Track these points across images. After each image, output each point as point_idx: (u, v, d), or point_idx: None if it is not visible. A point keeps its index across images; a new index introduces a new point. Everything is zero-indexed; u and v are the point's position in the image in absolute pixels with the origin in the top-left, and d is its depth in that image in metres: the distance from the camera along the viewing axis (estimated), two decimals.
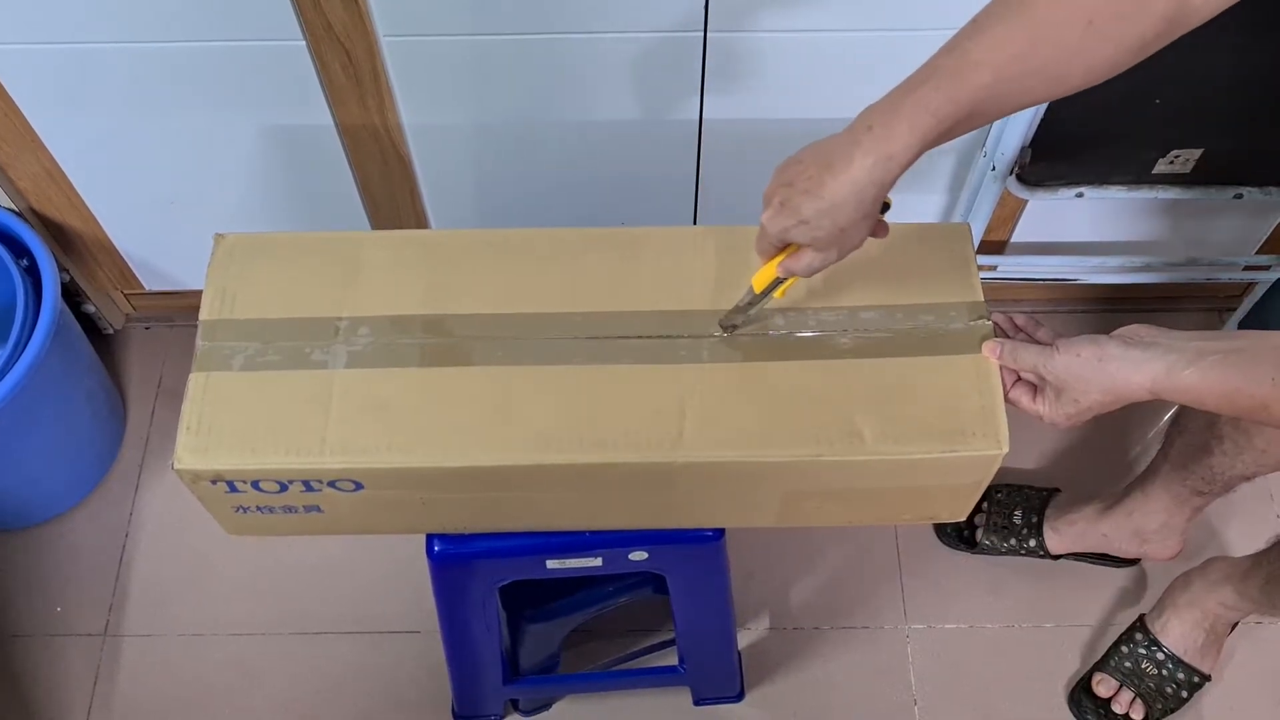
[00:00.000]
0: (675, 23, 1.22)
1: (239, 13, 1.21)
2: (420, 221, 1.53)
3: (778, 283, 0.91)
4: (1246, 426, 1.25)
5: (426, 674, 1.51)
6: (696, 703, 1.49)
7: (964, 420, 0.90)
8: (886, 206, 0.87)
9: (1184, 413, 1.36)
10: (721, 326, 0.95)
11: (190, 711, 1.51)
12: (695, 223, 1.53)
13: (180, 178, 1.45)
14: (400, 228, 1.53)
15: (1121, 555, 1.53)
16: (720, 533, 1.05)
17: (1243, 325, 1.24)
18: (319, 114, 1.34)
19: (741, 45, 1.26)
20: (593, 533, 1.03)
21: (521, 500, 0.95)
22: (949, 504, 0.97)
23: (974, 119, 0.80)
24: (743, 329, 0.95)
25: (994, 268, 1.64)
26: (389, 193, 1.47)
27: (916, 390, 0.91)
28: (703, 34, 1.24)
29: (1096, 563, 1.57)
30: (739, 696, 1.49)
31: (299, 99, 1.32)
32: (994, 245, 1.63)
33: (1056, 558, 1.56)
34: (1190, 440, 1.34)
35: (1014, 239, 1.62)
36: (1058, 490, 1.59)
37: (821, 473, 0.91)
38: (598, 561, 1.06)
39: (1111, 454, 1.68)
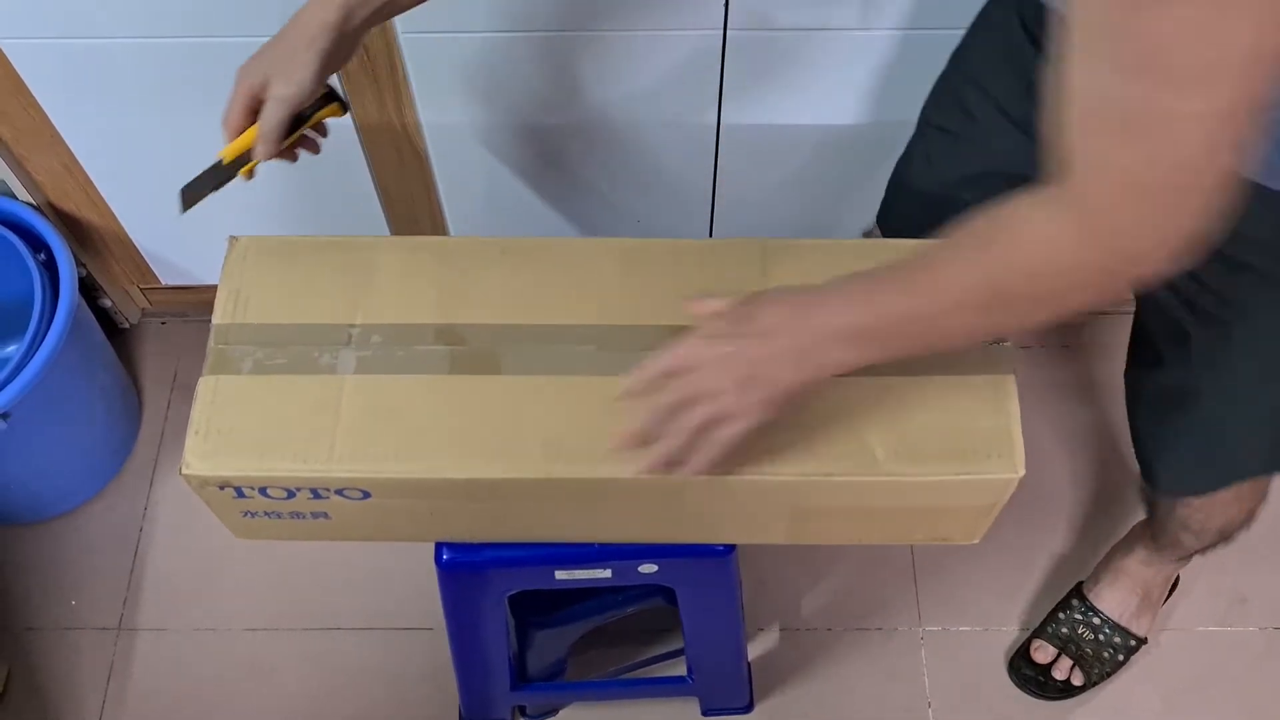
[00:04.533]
0: (694, 20, 1.21)
1: (257, 8, 1.20)
2: (436, 220, 1.52)
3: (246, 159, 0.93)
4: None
5: (437, 671, 1.50)
6: (705, 713, 1.48)
7: (979, 441, 0.88)
8: (345, 106, 0.95)
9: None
10: (182, 196, 0.96)
11: (203, 706, 1.52)
12: (711, 227, 1.52)
13: (195, 172, 1.45)
14: (416, 226, 1.53)
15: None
16: (731, 548, 1.04)
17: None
18: None
19: (762, 44, 1.24)
20: (602, 545, 1.02)
21: (530, 512, 0.95)
22: (962, 526, 0.96)
23: None
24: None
25: None
26: (405, 191, 1.47)
27: (931, 409, 0.89)
28: (722, 32, 1.22)
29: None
30: (748, 708, 1.48)
31: None
32: None
33: (1144, 640, 1.50)
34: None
35: None
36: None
37: (832, 492, 0.89)
38: (607, 573, 1.06)
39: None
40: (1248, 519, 1.25)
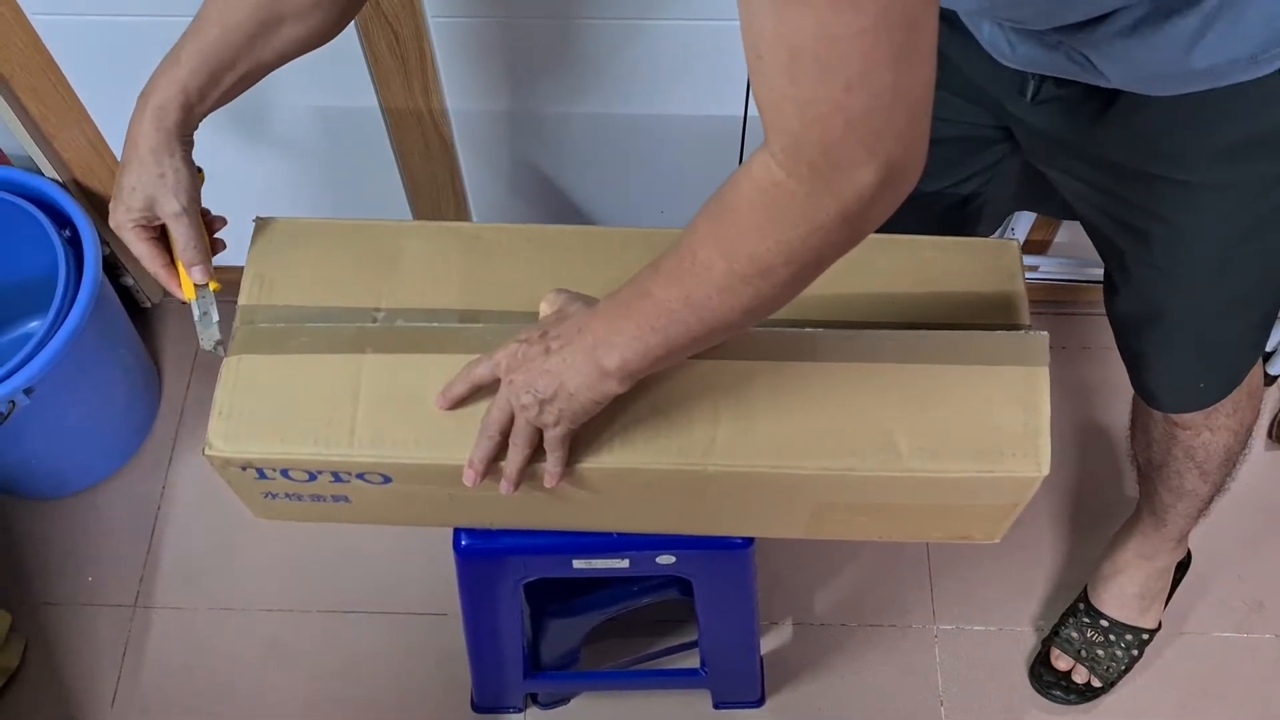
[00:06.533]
0: (722, 10, 1.20)
1: None
2: (460, 206, 1.52)
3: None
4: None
5: (450, 657, 1.51)
6: (716, 706, 1.48)
7: (1004, 438, 0.87)
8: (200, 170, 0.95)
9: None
10: (219, 348, 0.95)
11: (217, 683, 1.53)
12: None
13: (222, 155, 1.44)
14: (440, 212, 1.53)
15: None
16: (749, 541, 1.04)
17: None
18: (364, 96, 1.33)
19: None
20: (621, 534, 1.02)
21: (549, 500, 0.94)
22: (983, 524, 0.95)
23: None
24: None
25: (1035, 268, 1.62)
26: (430, 177, 1.47)
27: (957, 403, 0.89)
28: None
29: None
30: (759, 702, 1.48)
31: (344, 79, 1.31)
32: (1037, 246, 1.61)
33: (1157, 628, 1.51)
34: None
35: (1057, 239, 1.60)
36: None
37: (854, 486, 0.89)
38: (625, 563, 1.06)
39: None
40: (1247, 436, 1.23)
